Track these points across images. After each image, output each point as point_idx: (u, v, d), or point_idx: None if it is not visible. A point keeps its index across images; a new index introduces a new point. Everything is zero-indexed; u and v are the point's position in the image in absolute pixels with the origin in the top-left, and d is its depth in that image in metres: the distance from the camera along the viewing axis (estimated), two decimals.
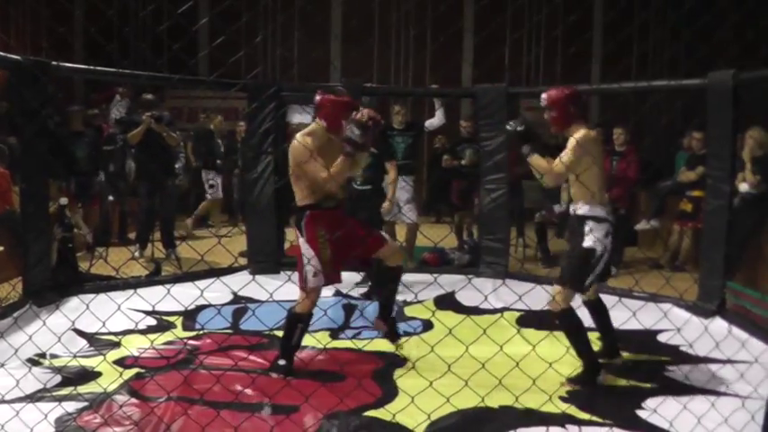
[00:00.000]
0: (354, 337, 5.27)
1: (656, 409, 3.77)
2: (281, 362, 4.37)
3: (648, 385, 4.28)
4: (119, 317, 4.01)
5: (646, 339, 5.08)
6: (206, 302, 4.59)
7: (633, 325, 4.22)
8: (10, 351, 4.09)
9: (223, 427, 3.46)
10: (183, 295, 4.54)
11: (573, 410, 3.82)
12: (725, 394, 4.08)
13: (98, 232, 8.38)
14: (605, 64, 13.25)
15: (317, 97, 4.48)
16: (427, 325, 5.41)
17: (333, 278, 4.45)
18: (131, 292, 4.24)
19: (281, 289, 3.85)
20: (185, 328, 5.45)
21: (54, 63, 6.17)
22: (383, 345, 4.88)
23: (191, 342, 5.04)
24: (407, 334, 5.16)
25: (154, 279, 6.82)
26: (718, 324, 5.56)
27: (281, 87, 7.66)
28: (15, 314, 5.17)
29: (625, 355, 4.75)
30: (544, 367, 4.27)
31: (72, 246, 6.62)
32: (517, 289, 3.91)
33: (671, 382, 4.39)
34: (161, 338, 4.87)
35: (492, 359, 3.53)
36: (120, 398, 3.85)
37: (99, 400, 3.78)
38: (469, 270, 7.50)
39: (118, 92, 10.69)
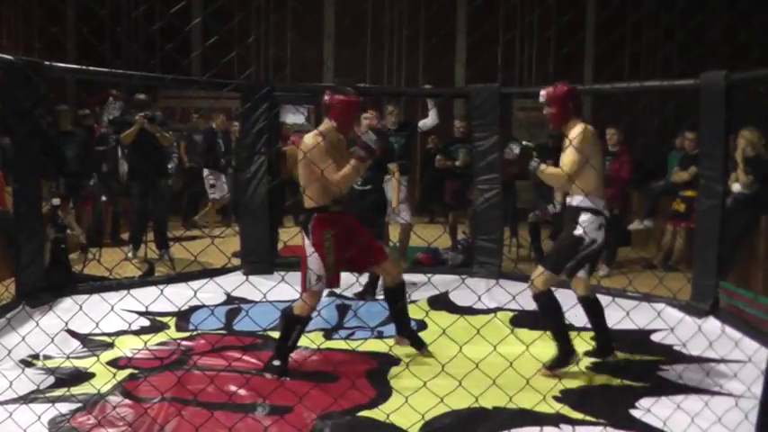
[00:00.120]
0: (348, 337, 5.27)
1: (649, 408, 3.78)
2: (276, 362, 4.36)
3: (642, 385, 4.28)
4: (112, 318, 3.99)
5: (639, 339, 5.09)
6: (199, 303, 4.57)
7: (627, 325, 4.23)
8: (3, 352, 4.08)
9: (217, 427, 3.45)
10: (177, 296, 4.54)
11: (566, 410, 3.82)
12: (718, 393, 4.09)
13: (91, 233, 8.35)
14: (598, 64, 13.29)
15: (326, 97, 4.47)
16: (421, 325, 5.41)
17: (333, 282, 4.44)
18: (125, 292, 4.24)
19: (275, 289, 3.84)
20: (179, 329, 5.44)
21: (47, 63, 6.15)
22: (377, 345, 4.87)
23: (184, 343, 5.03)
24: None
25: (147, 280, 6.81)
26: (712, 324, 5.58)
27: (273, 87, 7.66)
28: (8, 315, 5.16)
29: (619, 354, 4.77)
30: (538, 367, 4.31)
31: (65, 246, 6.61)
32: (511, 289, 3.91)
33: (664, 381, 4.40)
34: (154, 339, 4.86)
35: (486, 359, 3.53)
36: (114, 399, 3.83)
37: (92, 401, 3.77)
38: (463, 270, 7.51)
39: (111, 94, 10.65)
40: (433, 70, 12.59)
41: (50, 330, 4.10)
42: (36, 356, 4.44)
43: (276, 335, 4.81)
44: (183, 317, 5.60)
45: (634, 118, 10.81)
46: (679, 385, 4.24)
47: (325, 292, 5.93)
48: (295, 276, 4.51)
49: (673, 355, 4.82)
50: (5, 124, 6.50)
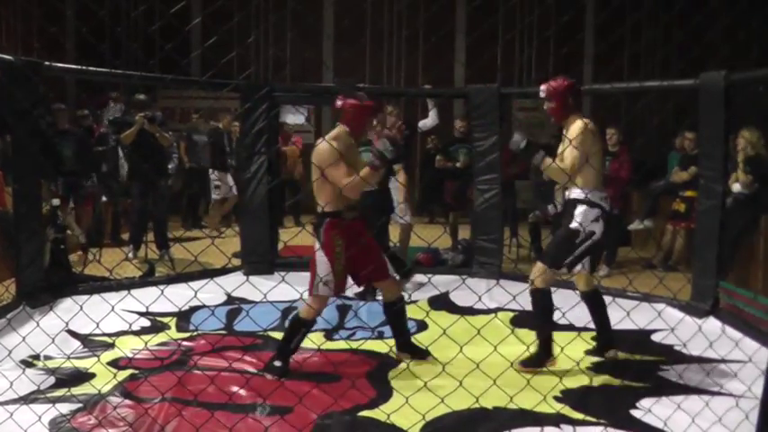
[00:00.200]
0: (349, 337, 5.27)
1: (650, 408, 3.78)
2: (277, 363, 4.36)
3: (643, 385, 4.29)
4: (112, 318, 3.99)
5: (640, 339, 5.09)
6: (200, 303, 4.58)
7: (627, 325, 4.22)
8: (3, 352, 4.08)
9: (217, 428, 3.45)
10: (177, 296, 4.53)
11: (567, 410, 3.82)
12: (719, 393, 4.09)
13: (91, 233, 8.35)
14: (597, 64, 13.27)
15: (339, 102, 4.46)
16: (421, 326, 5.41)
17: (339, 289, 4.43)
18: (125, 293, 4.23)
19: (275, 290, 3.84)
20: (179, 329, 5.44)
21: (46, 63, 6.15)
22: (377, 345, 4.88)
23: (184, 343, 5.03)
24: None
25: (147, 280, 6.81)
26: (712, 323, 5.58)
27: (273, 88, 7.66)
28: (9, 315, 5.15)
29: (619, 355, 4.77)
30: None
31: (64, 247, 6.60)
32: (511, 289, 3.91)
33: (665, 381, 4.40)
34: (155, 339, 4.86)
35: (486, 359, 3.54)
36: (115, 399, 3.84)
37: (93, 402, 3.77)
38: (463, 270, 7.50)
39: (111, 98, 10.65)
40: (433, 70, 12.60)
41: (51, 331, 4.10)
42: (36, 357, 4.44)
43: (276, 335, 4.82)
44: (183, 317, 5.60)
45: (634, 118, 10.83)
46: (679, 385, 4.24)
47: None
48: (295, 276, 4.52)
49: (673, 356, 4.82)
50: (5, 124, 6.51)
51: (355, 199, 4.41)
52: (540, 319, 4.48)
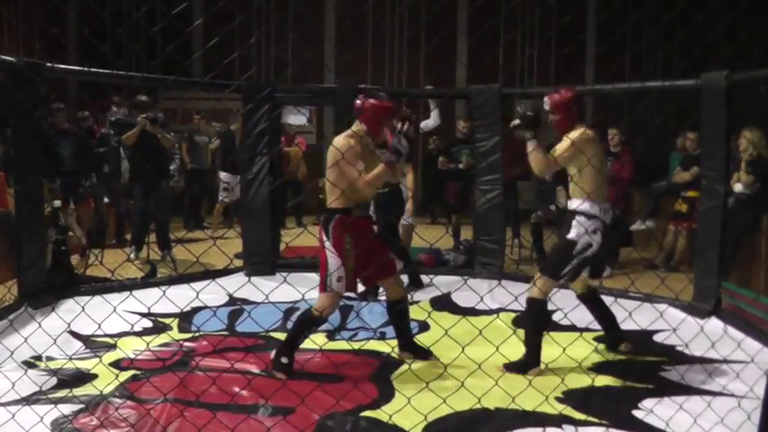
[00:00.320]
0: (351, 338, 5.27)
1: (652, 409, 3.78)
2: (284, 360, 4.34)
3: (645, 385, 4.28)
4: (114, 319, 3.99)
5: (642, 340, 5.08)
6: (201, 304, 4.57)
7: (629, 325, 4.24)
8: (5, 353, 4.08)
9: (219, 428, 3.45)
10: (179, 297, 4.51)
11: (569, 411, 3.81)
12: (721, 394, 4.09)
13: (92, 234, 8.35)
14: (599, 65, 13.29)
15: (358, 101, 4.47)
16: (423, 326, 5.41)
17: (350, 287, 4.42)
18: (127, 294, 4.23)
19: (277, 290, 3.84)
20: (181, 330, 5.44)
21: (48, 64, 6.16)
22: (380, 345, 4.88)
23: (186, 344, 5.02)
24: None
25: (149, 281, 6.81)
26: (714, 324, 5.57)
27: (275, 89, 7.66)
28: (11, 316, 5.17)
29: (621, 355, 4.77)
30: (539, 368, 4.30)
31: (66, 248, 6.61)
32: (513, 290, 3.91)
33: (667, 382, 4.39)
34: (157, 340, 4.86)
35: (488, 360, 3.53)
36: (116, 400, 3.83)
37: (95, 403, 3.77)
38: (465, 271, 7.51)
39: (113, 102, 10.65)
40: (434, 71, 12.60)
41: (53, 332, 4.10)
42: (38, 358, 4.43)
43: (278, 335, 4.81)
44: (185, 318, 5.60)
45: (635, 118, 10.82)
46: (681, 386, 4.24)
47: None
48: (297, 277, 4.51)
49: (675, 356, 4.81)
50: (7, 125, 6.51)
51: (367, 198, 4.41)
52: (532, 327, 4.47)
